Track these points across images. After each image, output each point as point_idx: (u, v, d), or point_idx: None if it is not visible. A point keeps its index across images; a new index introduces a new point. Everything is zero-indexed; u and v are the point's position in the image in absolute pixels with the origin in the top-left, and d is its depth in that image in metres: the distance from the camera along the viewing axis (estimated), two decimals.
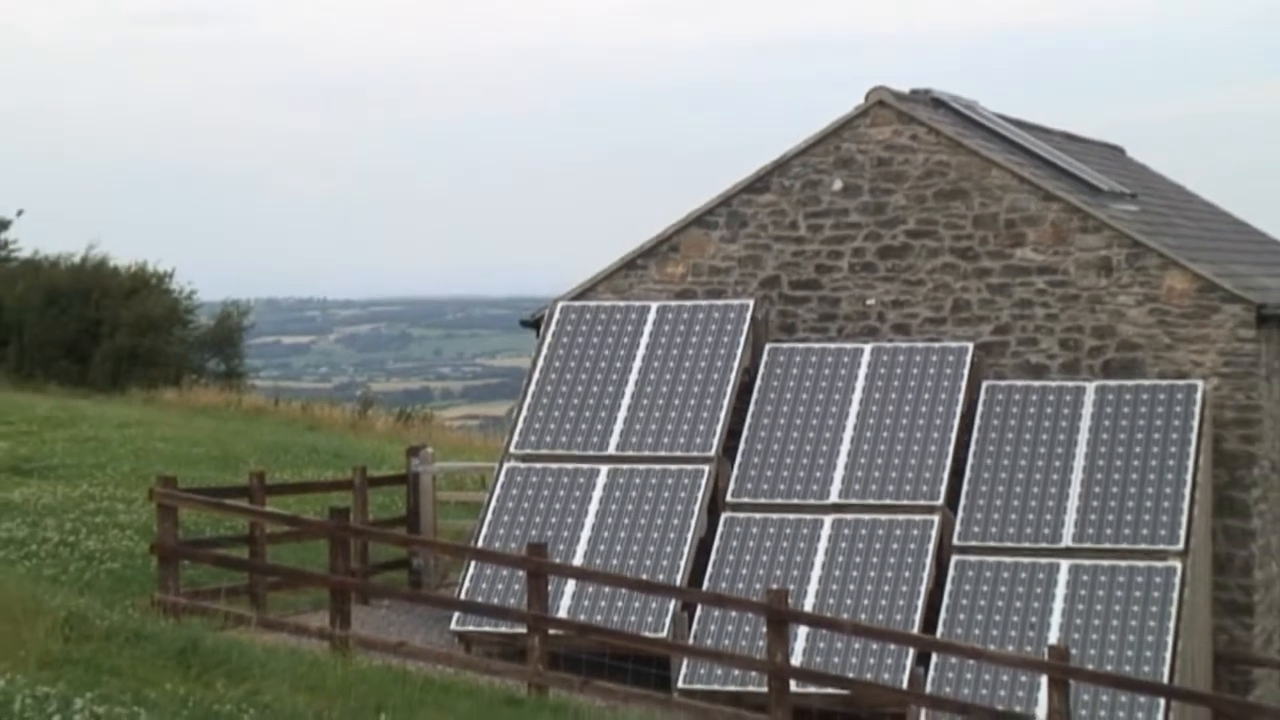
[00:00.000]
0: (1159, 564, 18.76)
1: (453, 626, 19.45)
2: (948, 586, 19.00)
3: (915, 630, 18.50)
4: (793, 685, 16.82)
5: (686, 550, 19.54)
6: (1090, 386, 20.50)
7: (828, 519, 19.71)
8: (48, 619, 13.33)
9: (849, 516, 19.68)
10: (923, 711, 17.80)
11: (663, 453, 20.43)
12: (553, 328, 21.89)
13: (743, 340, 21.22)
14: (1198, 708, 18.84)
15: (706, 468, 20.21)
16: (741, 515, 19.95)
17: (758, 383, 21.04)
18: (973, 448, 20.12)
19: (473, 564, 19.69)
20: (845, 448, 20.27)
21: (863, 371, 20.94)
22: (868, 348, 21.23)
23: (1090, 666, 17.63)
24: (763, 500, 20.03)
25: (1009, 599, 18.78)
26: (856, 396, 20.71)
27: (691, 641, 18.77)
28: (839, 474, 20.06)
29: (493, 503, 20.45)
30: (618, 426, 20.77)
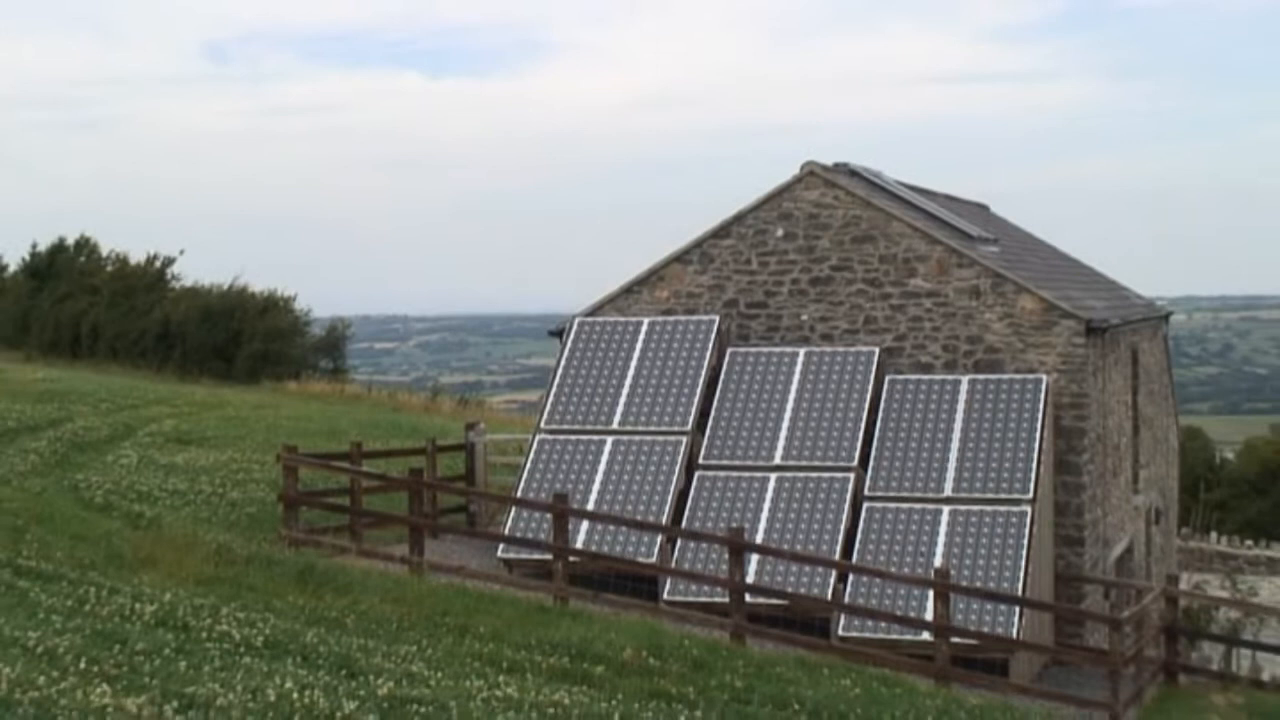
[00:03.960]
0: (1015, 509, 18.78)
1: (499, 554, 19.45)
2: (860, 525, 19.01)
3: (837, 557, 18.51)
4: (747, 597, 16.86)
5: (670, 498, 19.55)
6: (965, 379, 20.52)
7: (773, 476, 19.72)
8: (203, 549, 13.36)
9: (788, 474, 19.69)
10: (842, 616, 17.81)
11: (652, 427, 20.44)
12: (572, 336, 21.90)
13: (710, 346, 21.23)
14: (1043, 613, 18.86)
15: (684, 438, 20.22)
16: (710, 473, 19.95)
17: (721, 377, 21.05)
18: (879, 424, 20.13)
19: (514, 509, 19.70)
20: (786, 424, 20.28)
21: (798, 369, 20.95)
22: (802, 351, 21.24)
23: (964, 583, 17.64)
24: (725, 462, 20.03)
25: (905, 534, 18.79)
26: (794, 387, 20.72)
27: (674, 565, 18.78)
28: (781, 443, 20.07)
29: (528, 464, 20.46)
30: (619, 408, 20.77)
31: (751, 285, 22.12)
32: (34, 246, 48.05)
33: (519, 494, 19.89)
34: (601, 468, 20.11)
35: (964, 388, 20.35)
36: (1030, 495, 18.89)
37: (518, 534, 19.24)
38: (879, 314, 21.55)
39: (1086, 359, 20.73)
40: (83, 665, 7.79)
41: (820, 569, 18.18)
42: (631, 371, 21.18)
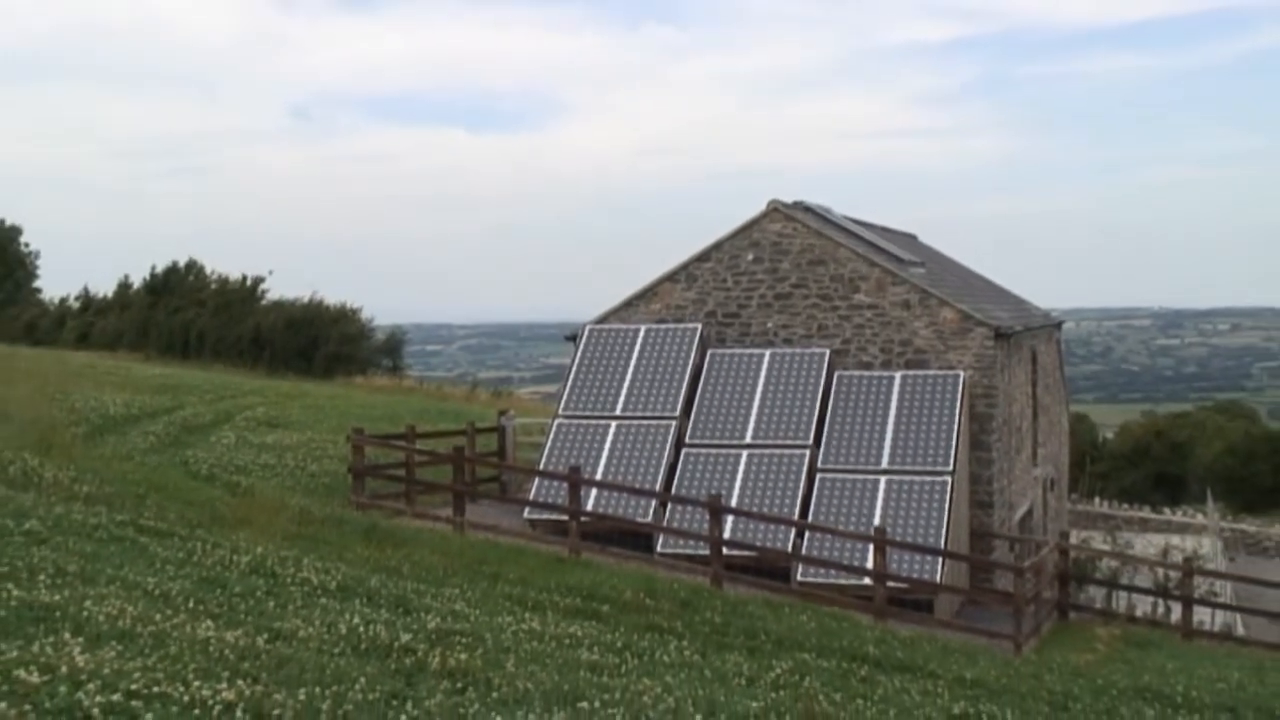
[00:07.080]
0: (937, 479, 18.80)
1: (525, 515, 19.44)
2: (815, 492, 19.02)
3: (796, 517, 18.52)
4: (724, 550, 16.85)
5: (662, 471, 19.54)
6: (898, 375, 20.53)
7: (745, 452, 19.72)
8: (288, 511, 13.32)
9: (757, 451, 19.69)
10: (800, 565, 17.82)
11: (648, 414, 20.43)
12: (583, 340, 21.88)
13: (694, 348, 21.21)
14: (960, 563, 18.87)
15: (673, 422, 20.20)
16: (694, 450, 19.95)
17: (703, 373, 21.03)
18: (829, 410, 20.13)
19: (537, 479, 19.69)
20: (755, 410, 20.27)
21: (765, 367, 20.95)
22: (768, 353, 21.24)
23: (898, 538, 17.64)
24: (706, 441, 20.03)
25: (850, 499, 18.80)
26: (761, 381, 20.72)
27: (665, 524, 18.78)
28: (751, 426, 20.06)
29: (549, 444, 20.44)
30: (621, 398, 20.76)
31: (727, 299, 22.11)
32: (152, 269, 48.24)
33: (541, 467, 19.88)
34: (607, 446, 20.10)
35: (897, 382, 20.36)
36: (950, 468, 18.90)
37: (540, 499, 19.23)
38: (830, 322, 21.55)
39: (995, 359, 20.74)
40: (191, 605, 7.78)
41: (783, 527, 18.19)
42: (631, 369, 21.17)
